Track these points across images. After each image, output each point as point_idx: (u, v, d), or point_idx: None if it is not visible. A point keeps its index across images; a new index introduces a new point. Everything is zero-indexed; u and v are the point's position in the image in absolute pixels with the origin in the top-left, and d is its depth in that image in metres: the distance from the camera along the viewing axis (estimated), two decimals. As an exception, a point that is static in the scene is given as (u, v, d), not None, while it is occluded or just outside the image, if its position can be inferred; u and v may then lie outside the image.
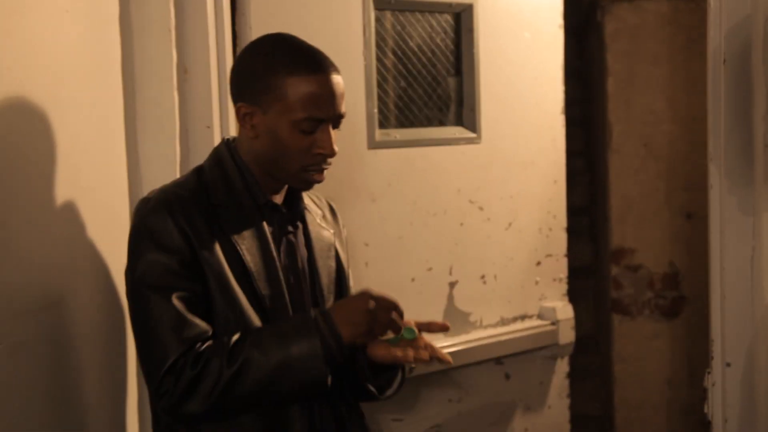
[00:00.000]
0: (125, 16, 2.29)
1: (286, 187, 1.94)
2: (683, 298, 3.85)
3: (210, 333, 1.77)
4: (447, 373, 3.06)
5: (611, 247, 3.84)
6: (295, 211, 1.95)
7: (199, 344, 1.74)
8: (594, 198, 4.12)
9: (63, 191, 1.89)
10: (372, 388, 1.95)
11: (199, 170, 1.91)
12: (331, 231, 2.03)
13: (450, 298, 3.08)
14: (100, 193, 2.12)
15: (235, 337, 1.76)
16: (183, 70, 2.38)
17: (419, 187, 2.99)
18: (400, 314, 1.83)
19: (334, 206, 2.11)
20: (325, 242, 1.99)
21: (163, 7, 2.33)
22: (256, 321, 1.82)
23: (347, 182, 2.77)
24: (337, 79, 1.83)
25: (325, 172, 1.88)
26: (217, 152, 1.92)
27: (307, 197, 2.01)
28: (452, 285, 3.08)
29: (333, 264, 2.00)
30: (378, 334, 1.81)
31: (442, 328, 1.97)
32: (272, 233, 1.89)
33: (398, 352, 1.86)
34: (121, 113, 2.28)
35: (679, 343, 3.86)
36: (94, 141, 2.09)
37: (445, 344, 3.04)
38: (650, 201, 3.79)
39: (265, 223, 1.88)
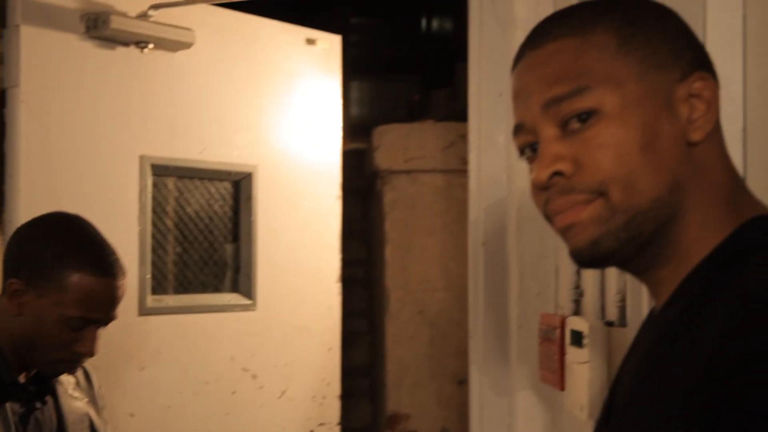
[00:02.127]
0: None
1: None
2: (457, 462, 3.92)
3: None
4: None
5: (387, 412, 3.88)
6: (43, 387, 1.86)
7: None
8: (374, 360, 4.18)
9: None
10: None
11: None
12: (86, 399, 1.96)
13: (220, 468, 3.01)
14: None
15: None
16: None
17: (191, 354, 2.94)
18: None
19: (87, 368, 2.03)
20: (78, 413, 1.92)
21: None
22: None
23: (114, 350, 2.68)
24: (122, 284, 1.80)
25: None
26: None
27: None
28: (222, 455, 3.02)
29: None
30: None
31: None
32: (18, 412, 1.79)
33: None
34: None
35: (452, 508, 3.91)
36: None
37: None
38: (424, 367, 3.88)
39: (8, 405, 1.78)
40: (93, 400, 1.99)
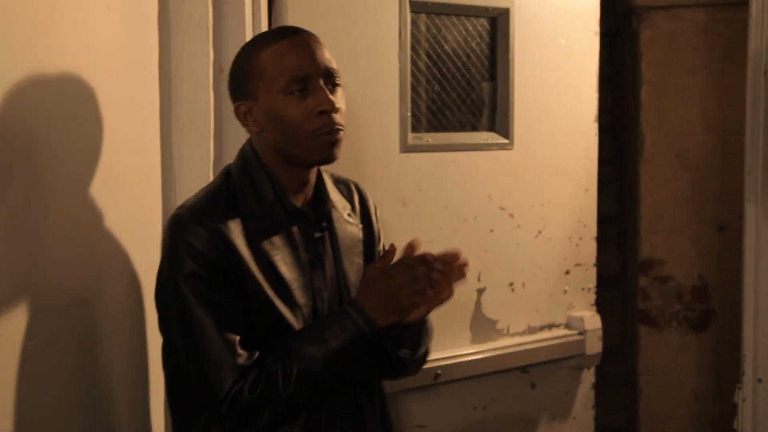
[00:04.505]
0: (164, 13, 2.29)
1: (313, 186, 1.92)
2: (712, 311, 3.81)
3: (256, 353, 1.76)
4: (472, 380, 3.05)
5: (640, 258, 3.81)
6: (321, 213, 1.93)
7: (250, 368, 1.74)
8: (623, 208, 4.09)
9: (97, 189, 1.89)
10: (402, 355, 1.92)
11: (227, 175, 1.89)
12: (360, 226, 2.01)
13: (477, 304, 3.06)
14: (132, 192, 2.12)
15: (283, 352, 1.77)
16: (219, 69, 2.38)
17: (450, 192, 2.97)
18: (427, 270, 1.87)
19: (361, 188, 2.09)
20: (352, 239, 1.98)
21: (202, 6, 2.34)
22: (296, 329, 1.82)
23: (378, 185, 2.75)
24: (306, 37, 1.83)
25: (341, 133, 1.82)
26: (243, 155, 1.90)
27: (334, 190, 1.99)
28: (480, 292, 3.06)
29: (360, 261, 1.99)
30: (410, 307, 1.80)
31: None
32: (301, 238, 1.87)
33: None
34: (156, 111, 2.28)
35: (706, 356, 3.83)
36: (129, 139, 2.09)
37: (471, 351, 3.03)
38: (681, 212, 3.75)
39: (295, 230, 1.87)
40: (368, 222, 2.05)
